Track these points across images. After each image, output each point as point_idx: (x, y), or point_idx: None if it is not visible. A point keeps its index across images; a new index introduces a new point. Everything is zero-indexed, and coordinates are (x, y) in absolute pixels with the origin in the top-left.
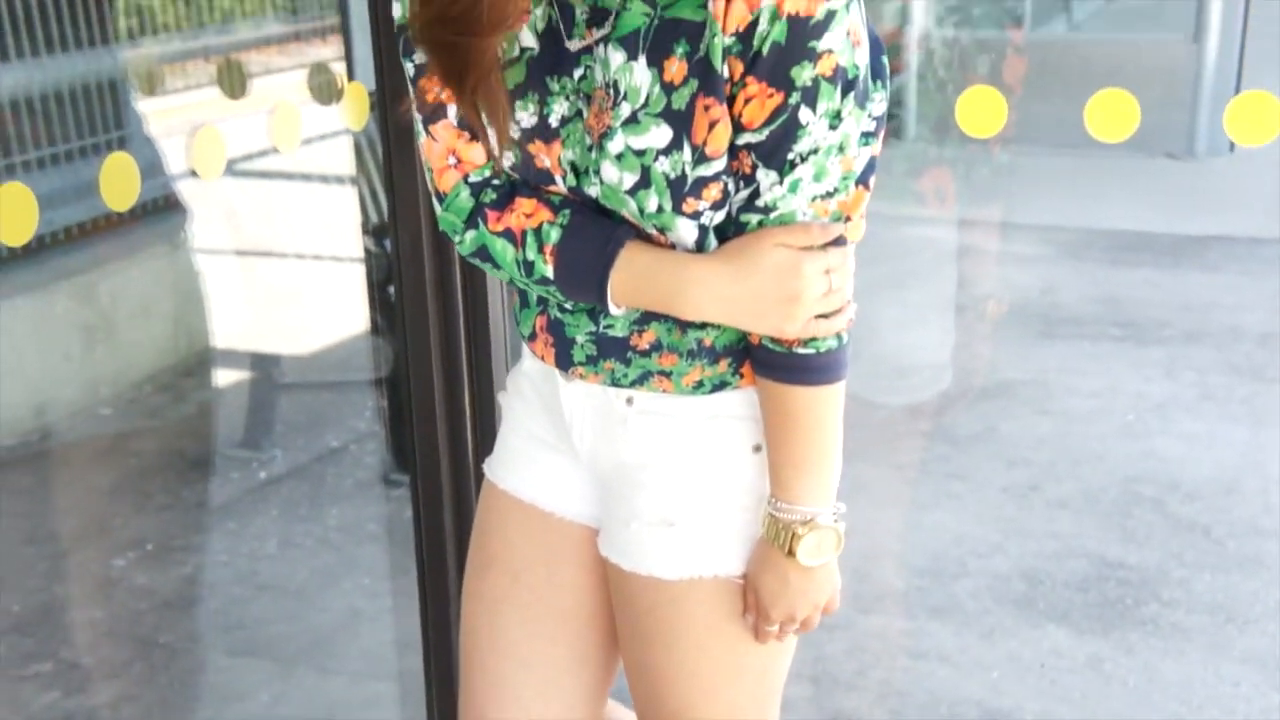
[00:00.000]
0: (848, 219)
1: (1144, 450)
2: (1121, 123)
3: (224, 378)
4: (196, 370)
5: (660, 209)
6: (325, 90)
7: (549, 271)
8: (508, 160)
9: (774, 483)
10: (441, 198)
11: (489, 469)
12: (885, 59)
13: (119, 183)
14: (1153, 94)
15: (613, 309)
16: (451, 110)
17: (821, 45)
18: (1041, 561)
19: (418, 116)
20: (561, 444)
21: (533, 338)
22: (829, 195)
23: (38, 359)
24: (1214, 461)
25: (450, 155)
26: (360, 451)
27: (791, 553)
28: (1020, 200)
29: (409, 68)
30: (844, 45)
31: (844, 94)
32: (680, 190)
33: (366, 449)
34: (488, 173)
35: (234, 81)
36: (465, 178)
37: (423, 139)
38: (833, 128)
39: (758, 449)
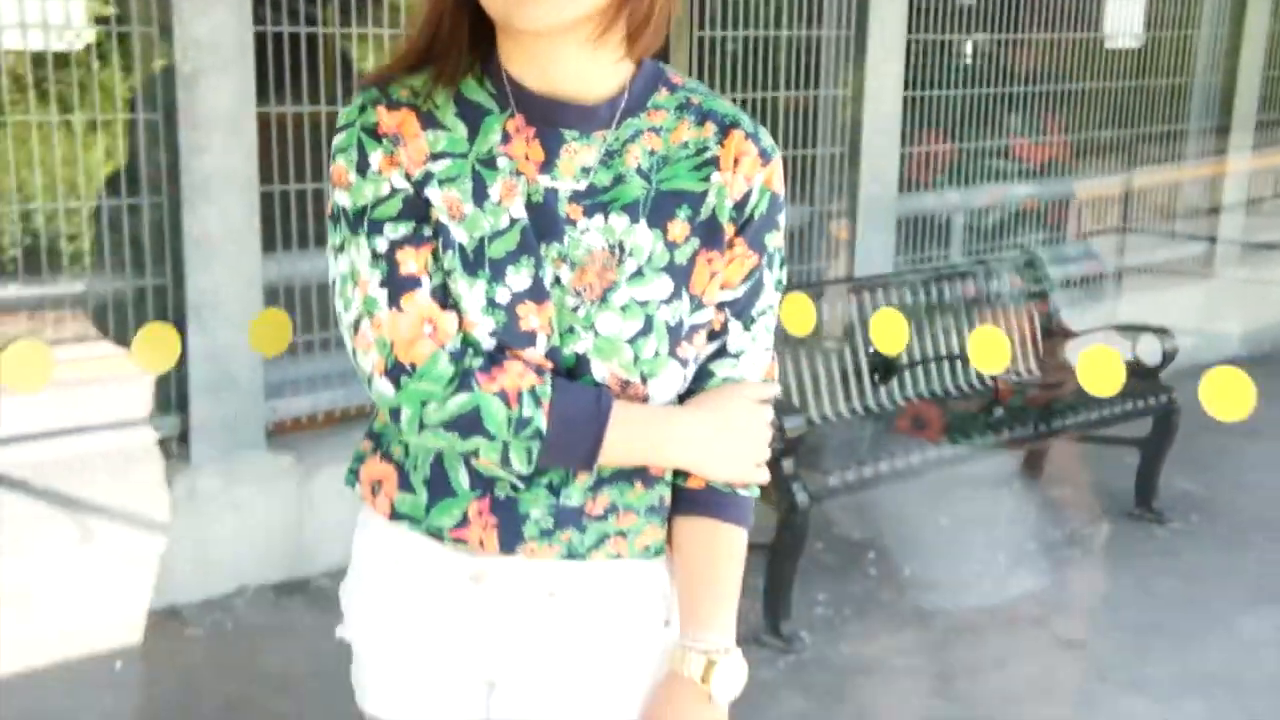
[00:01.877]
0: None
1: None
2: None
3: None
4: None
5: (656, 354)
6: None
7: (544, 426)
8: (487, 325)
9: (690, 620)
10: (406, 370)
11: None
12: None
13: None
14: None
15: (595, 466)
16: (425, 281)
17: (781, 220)
18: None
19: (376, 295)
20: (456, 651)
21: (461, 525)
22: (766, 351)
23: None
24: None
25: (425, 324)
26: None
27: (705, 680)
28: None
29: (380, 243)
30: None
31: (781, 265)
32: (677, 335)
33: None
34: (460, 342)
35: None
36: (442, 347)
37: (379, 315)
38: (777, 291)
39: (668, 624)
